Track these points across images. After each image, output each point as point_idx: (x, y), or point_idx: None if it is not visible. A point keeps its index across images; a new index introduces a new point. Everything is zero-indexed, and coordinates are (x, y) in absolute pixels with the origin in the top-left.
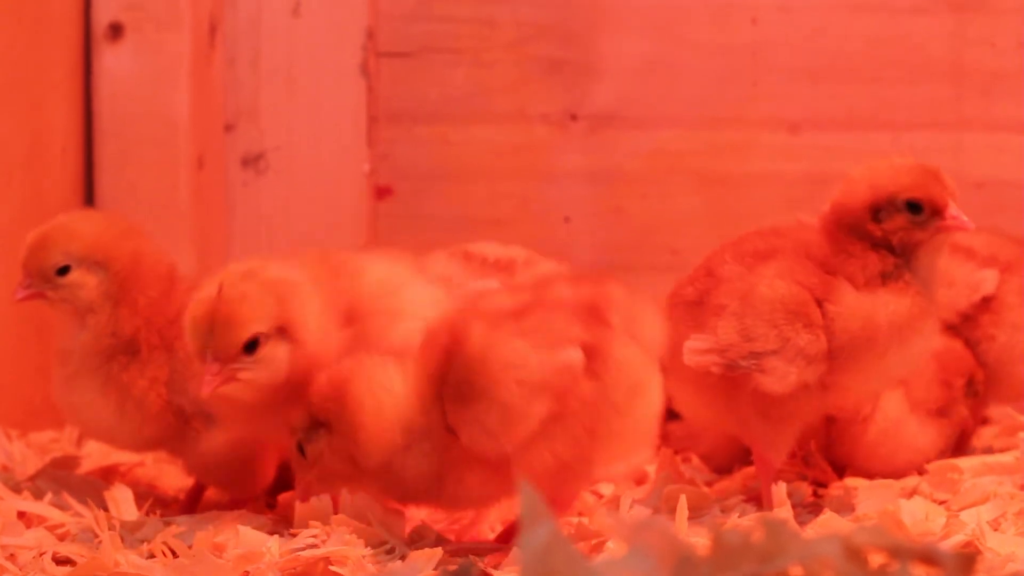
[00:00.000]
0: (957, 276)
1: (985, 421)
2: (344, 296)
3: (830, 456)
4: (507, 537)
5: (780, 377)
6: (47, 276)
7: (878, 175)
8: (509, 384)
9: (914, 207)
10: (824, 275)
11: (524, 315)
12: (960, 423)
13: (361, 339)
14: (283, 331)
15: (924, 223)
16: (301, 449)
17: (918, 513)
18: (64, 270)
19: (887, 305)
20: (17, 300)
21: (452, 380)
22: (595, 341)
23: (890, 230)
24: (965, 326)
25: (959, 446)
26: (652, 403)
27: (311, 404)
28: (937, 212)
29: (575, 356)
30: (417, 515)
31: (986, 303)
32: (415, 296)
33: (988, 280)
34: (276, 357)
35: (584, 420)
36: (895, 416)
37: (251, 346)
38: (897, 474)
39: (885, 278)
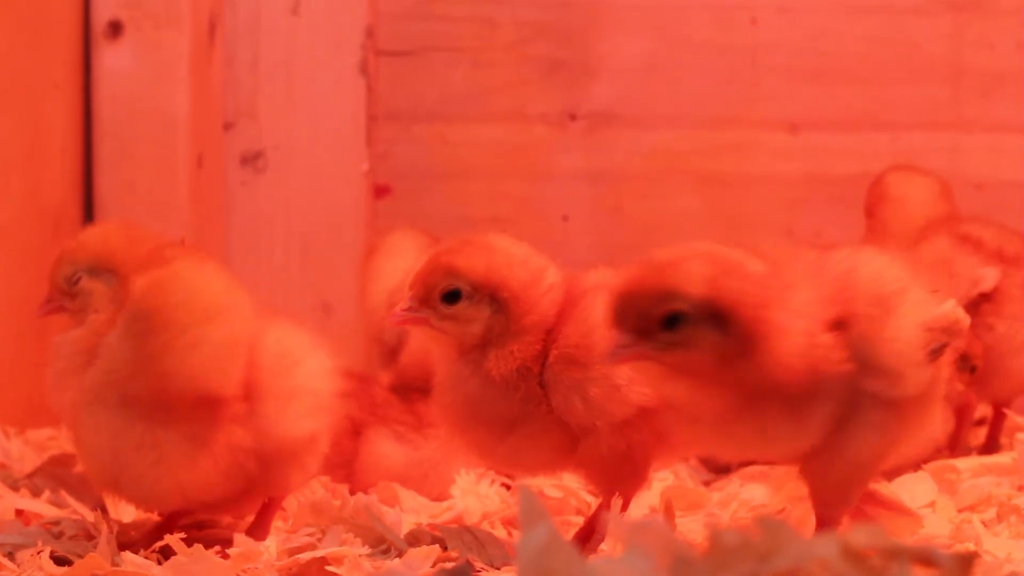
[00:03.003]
0: (961, 268)
1: (980, 421)
2: None
3: None
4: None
5: None
6: (63, 288)
7: None
8: None
9: None
10: None
11: None
12: (956, 399)
13: None
14: None
15: None
16: None
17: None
18: (75, 279)
19: None
20: (39, 316)
21: None
22: None
23: None
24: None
25: (960, 423)
26: None
27: None
28: None
29: None
30: None
31: (987, 294)
32: None
33: (988, 278)
34: None
35: None
36: None
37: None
38: (909, 463)
39: None
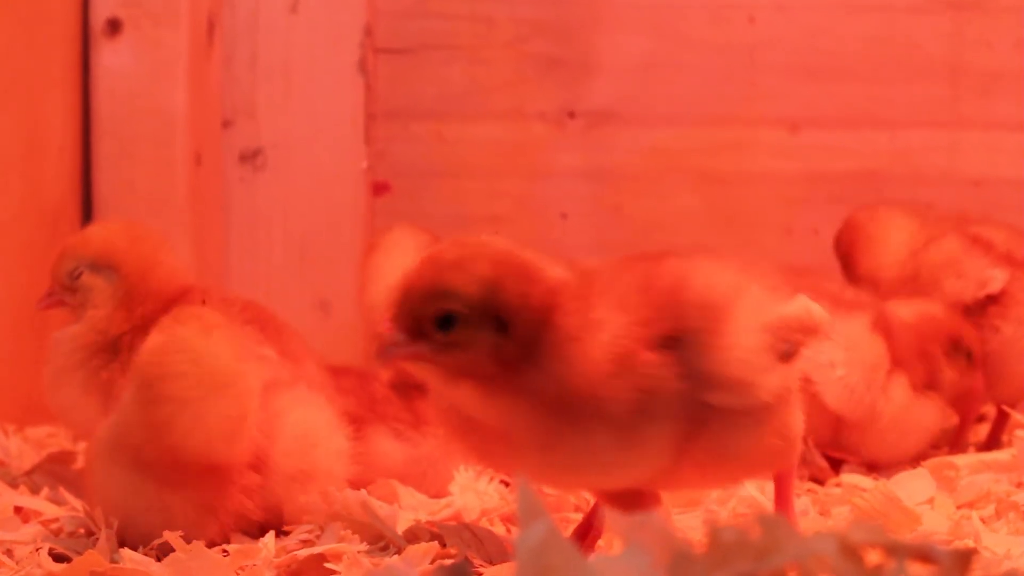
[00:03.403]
0: (969, 269)
1: (981, 419)
2: None
3: (838, 446)
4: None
5: None
6: (64, 283)
7: None
8: None
9: None
10: None
11: None
12: (954, 389)
13: None
14: None
15: None
16: None
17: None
18: (76, 274)
19: None
20: (39, 310)
21: None
22: None
23: None
24: (971, 317)
25: (964, 421)
26: None
27: None
28: None
29: None
30: None
31: (994, 296)
32: None
33: (996, 279)
34: None
35: None
36: (902, 401)
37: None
38: (907, 459)
39: None
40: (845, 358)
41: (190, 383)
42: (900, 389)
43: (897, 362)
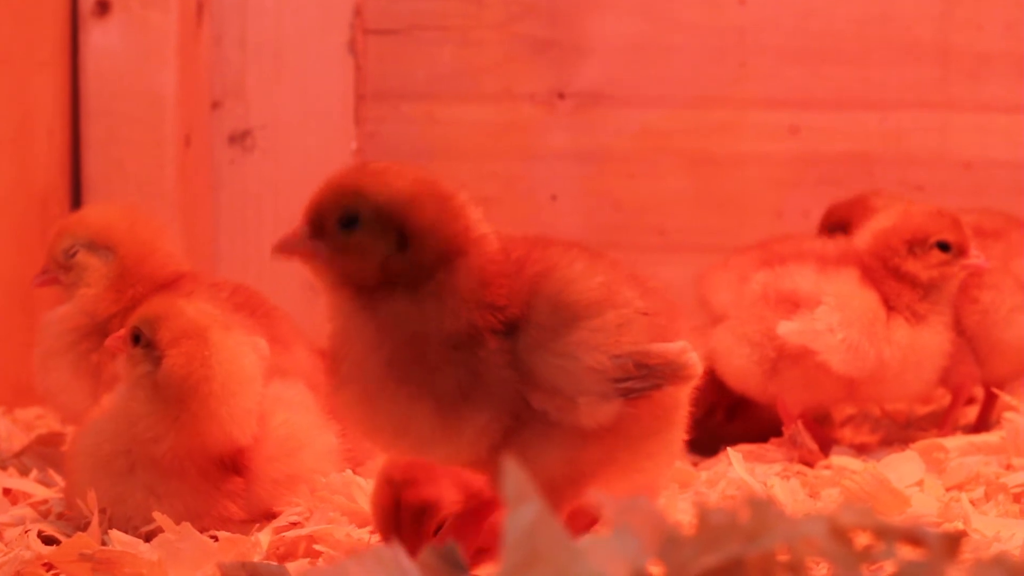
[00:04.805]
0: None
1: (970, 400)
2: None
3: (857, 402)
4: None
5: None
6: (59, 260)
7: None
8: None
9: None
10: None
11: None
12: (945, 284)
13: None
14: None
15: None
16: None
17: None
18: (72, 252)
19: None
20: (34, 286)
21: None
22: None
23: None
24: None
25: (953, 404)
26: None
27: None
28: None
29: None
30: None
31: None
32: None
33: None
34: None
35: None
36: (904, 340)
37: None
38: (929, 390)
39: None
40: (841, 319)
41: (218, 382)
42: (900, 329)
43: (886, 299)
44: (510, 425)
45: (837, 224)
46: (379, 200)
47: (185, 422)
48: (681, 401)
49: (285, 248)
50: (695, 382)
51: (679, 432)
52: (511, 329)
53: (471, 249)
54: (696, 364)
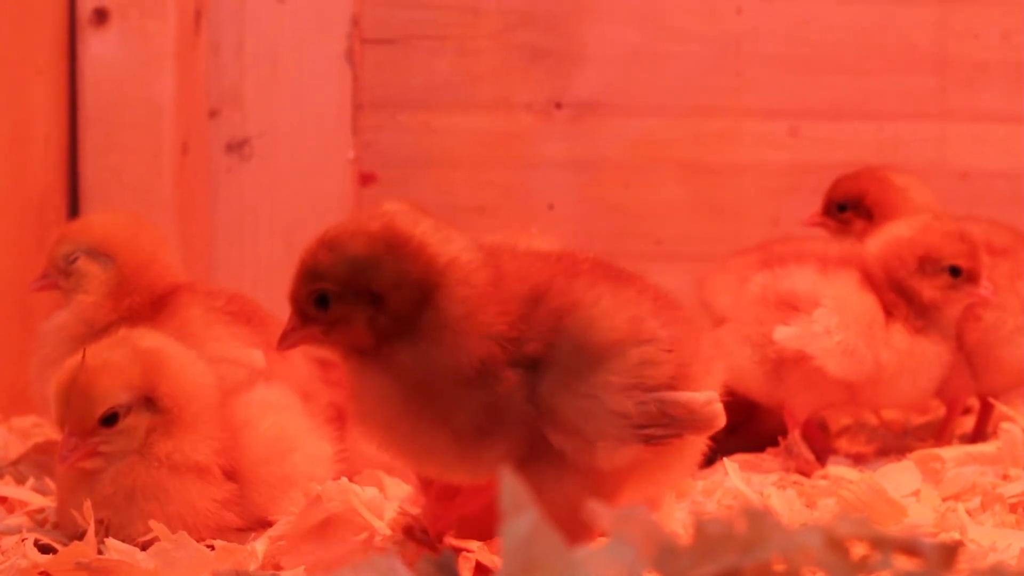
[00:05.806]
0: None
1: (967, 411)
2: None
3: (854, 406)
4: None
5: None
6: (60, 266)
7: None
8: None
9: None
10: None
11: None
12: (949, 309)
13: None
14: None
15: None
16: None
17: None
18: (72, 258)
19: None
20: (32, 290)
21: None
22: None
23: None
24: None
25: (949, 414)
26: None
27: None
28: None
29: None
30: None
31: None
32: None
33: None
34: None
35: None
36: (902, 346)
37: (110, 420)
38: (924, 399)
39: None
40: (839, 322)
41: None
42: (898, 335)
43: (885, 305)
44: (527, 455)
45: (846, 199)
46: (339, 273)
47: (175, 432)
48: (699, 442)
49: (286, 341)
50: (717, 430)
51: (692, 464)
52: (532, 364)
53: (443, 280)
54: (721, 416)
